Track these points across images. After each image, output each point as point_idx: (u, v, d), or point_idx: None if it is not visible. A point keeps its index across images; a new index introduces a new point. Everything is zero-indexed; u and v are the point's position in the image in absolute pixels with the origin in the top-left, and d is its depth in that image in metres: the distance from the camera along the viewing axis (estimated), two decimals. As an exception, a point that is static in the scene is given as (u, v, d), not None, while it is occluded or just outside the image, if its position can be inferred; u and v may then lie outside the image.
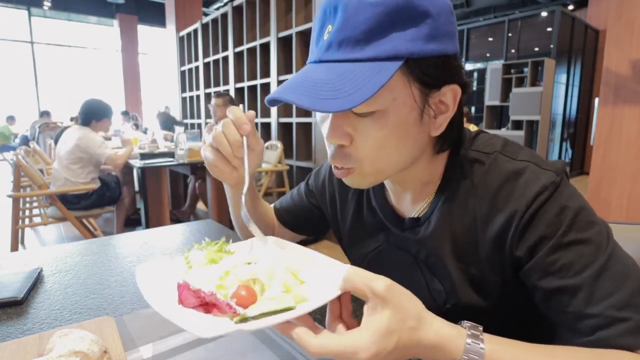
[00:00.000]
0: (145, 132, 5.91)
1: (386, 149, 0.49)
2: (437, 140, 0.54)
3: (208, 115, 6.00)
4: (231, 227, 0.91)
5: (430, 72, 0.47)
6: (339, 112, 0.42)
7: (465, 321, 0.41)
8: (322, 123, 0.52)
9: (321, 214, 0.79)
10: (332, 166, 0.54)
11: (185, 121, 5.81)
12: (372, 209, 0.67)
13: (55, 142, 3.78)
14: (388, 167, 0.51)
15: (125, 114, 7.30)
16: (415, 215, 0.59)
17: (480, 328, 0.41)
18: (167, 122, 4.89)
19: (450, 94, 0.49)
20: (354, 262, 0.71)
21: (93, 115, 2.78)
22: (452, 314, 0.56)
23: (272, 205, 0.86)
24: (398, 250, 0.63)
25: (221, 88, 5.35)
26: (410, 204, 0.61)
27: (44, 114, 7.65)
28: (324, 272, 0.44)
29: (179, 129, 3.52)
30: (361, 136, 0.48)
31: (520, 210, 0.48)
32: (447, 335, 0.39)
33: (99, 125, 2.83)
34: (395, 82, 0.45)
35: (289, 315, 0.37)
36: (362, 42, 0.44)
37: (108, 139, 5.04)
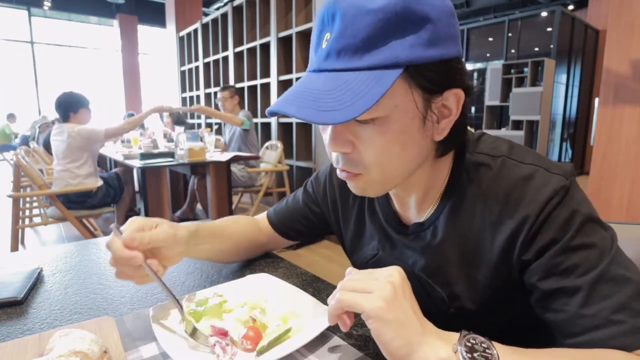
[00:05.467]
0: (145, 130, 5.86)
1: (390, 155, 0.48)
2: (439, 144, 0.52)
3: (208, 116, 6.00)
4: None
5: (431, 78, 0.45)
6: (341, 123, 0.41)
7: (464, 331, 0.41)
8: (323, 131, 0.51)
9: (319, 220, 0.78)
10: (338, 169, 0.52)
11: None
12: (374, 215, 0.66)
13: (44, 144, 3.75)
14: (395, 173, 0.50)
15: (132, 116, 7.19)
16: (421, 220, 0.59)
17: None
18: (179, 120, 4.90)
19: (453, 98, 0.48)
20: (356, 268, 0.71)
21: (69, 108, 2.70)
22: (457, 319, 0.56)
23: (265, 213, 0.84)
24: (395, 261, 0.62)
25: (221, 88, 5.34)
26: (415, 209, 0.60)
27: None
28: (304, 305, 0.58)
29: (179, 129, 3.52)
30: (363, 143, 0.47)
31: (532, 216, 0.47)
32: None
33: (78, 117, 2.73)
34: (396, 89, 0.44)
35: (299, 341, 0.49)
36: (361, 50, 0.43)
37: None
